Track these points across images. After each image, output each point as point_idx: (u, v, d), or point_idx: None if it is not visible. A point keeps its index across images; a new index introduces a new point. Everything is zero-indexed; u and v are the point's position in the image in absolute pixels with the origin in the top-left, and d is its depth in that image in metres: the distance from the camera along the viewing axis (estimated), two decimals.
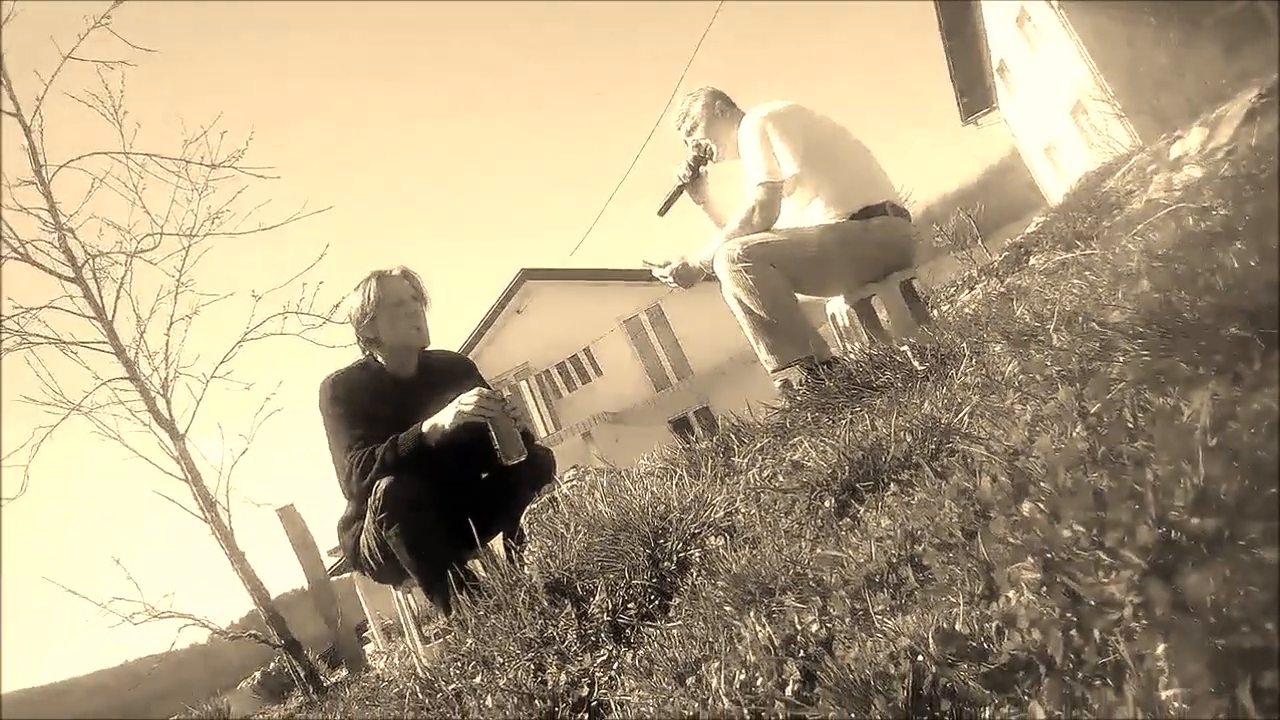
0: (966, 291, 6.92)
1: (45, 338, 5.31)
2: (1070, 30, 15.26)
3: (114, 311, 5.43)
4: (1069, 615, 0.81)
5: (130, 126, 5.60)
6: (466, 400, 2.82)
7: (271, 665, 10.59)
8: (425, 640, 3.79)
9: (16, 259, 5.31)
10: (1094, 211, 7.07)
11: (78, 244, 5.45)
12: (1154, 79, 12.15)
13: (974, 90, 22.72)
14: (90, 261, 5.44)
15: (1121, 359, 1.23)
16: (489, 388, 2.99)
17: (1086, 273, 1.99)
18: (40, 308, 5.34)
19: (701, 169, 3.61)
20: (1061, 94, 17.54)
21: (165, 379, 5.42)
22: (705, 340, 19.54)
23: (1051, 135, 20.29)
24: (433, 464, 2.83)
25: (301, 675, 5.39)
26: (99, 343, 5.38)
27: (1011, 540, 0.89)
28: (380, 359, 3.12)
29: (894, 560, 1.14)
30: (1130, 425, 1.02)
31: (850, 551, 1.25)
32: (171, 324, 5.50)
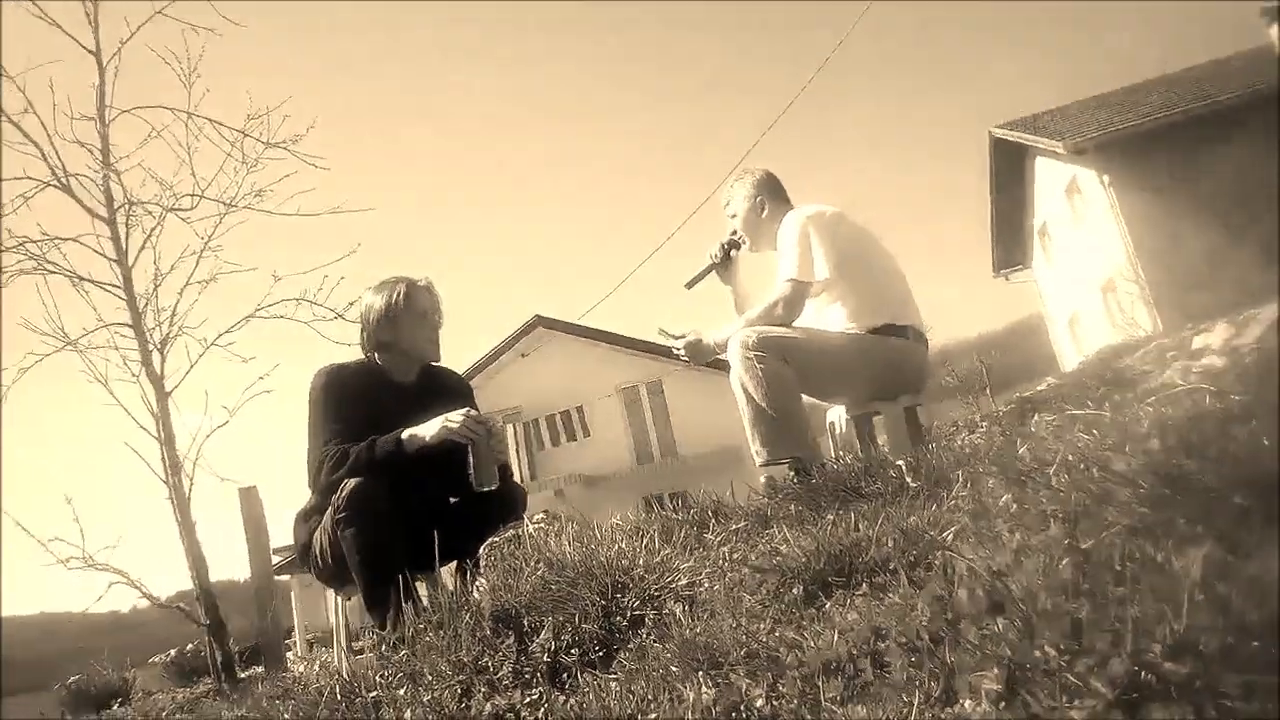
0: (967, 434, 6.88)
1: (61, 268, 5.34)
2: (1117, 210, 15.57)
3: (135, 259, 5.48)
4: None
5: (199, 90, 5.75)
6: (454, 418, 2.79)
7: (189, 646, 10.27)
8: (355, 654, 3.68)
9: (58, 188, 5.38)
10: (1108, 383, 7.07)
11: (119, 187, 5.53)
12: (1189, 275, 12.36)
13: (1011, 245, 23.09)
14: (126, 206, 5.51)
15: (1118, 508, 1.22)
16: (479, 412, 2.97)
17: (1094, 429, 1.97)
18: (65, 239, 5.40)
19: (733, 253, 3.68)
20: (1096, 268, 17.81)
21: (166, 335, 5.43)
22: (697, 425, 19.46)
23: (1078, 306, 20.54)
24: (404, 476, 2.79)
25: (218, 660, 5.24)
26: (112, 285, 5.41)
27: (979, 650, 0.87)
28: (382, 362, 3.11)
29: (854, 652, 1.10)
30: (1118, 568, 1.00)
31: (811, 638, 1.22)
32: (187, 284, 5.54)
